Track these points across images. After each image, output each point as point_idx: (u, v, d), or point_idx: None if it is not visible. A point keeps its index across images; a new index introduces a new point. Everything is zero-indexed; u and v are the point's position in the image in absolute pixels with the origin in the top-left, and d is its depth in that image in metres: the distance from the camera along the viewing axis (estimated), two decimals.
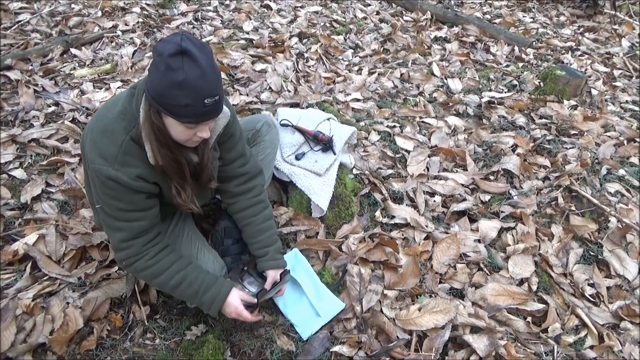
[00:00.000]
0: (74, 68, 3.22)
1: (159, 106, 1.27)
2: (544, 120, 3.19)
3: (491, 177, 2.65)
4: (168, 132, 1.35)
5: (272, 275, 1.78)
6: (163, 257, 1.55)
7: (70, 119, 2.70)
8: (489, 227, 2.31)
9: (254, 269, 1.83)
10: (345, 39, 4.21)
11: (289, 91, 3.20)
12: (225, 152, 1.68)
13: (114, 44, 3.58)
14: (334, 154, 2.31)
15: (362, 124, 2.94)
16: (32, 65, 3.15)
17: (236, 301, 1.64)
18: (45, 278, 1.90)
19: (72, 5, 3.99)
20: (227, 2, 4.58)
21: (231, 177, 1.75)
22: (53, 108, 2.78)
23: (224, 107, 1.47)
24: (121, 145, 1.36)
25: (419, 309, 1.85)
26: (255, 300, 1.67)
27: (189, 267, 1.60)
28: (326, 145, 2.30)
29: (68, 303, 1.81)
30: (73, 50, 3.37)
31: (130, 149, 1.38)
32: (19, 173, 2.33)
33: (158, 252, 1.54)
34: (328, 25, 4.44)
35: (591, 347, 1.87)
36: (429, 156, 2.71)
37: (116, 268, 1.97)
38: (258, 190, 1.81)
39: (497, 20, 4.98)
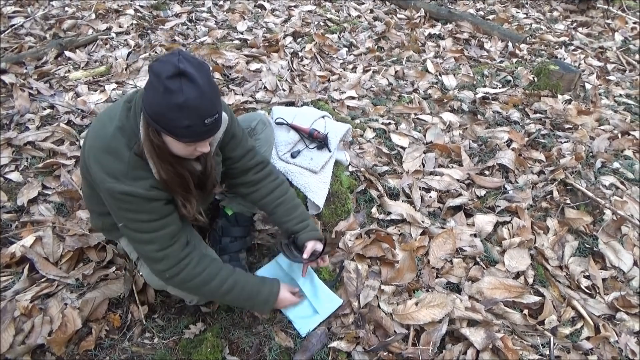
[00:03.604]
0: (69, 71, 3.22)
1: (158, 126, 1.26)
2: (538, 115, 3.20)
3: (486, 172, 2.66)
4: (168, 148, 1.35)
5: (312, 245, 1.77)
6: (208, 264, 1.55)
7: (66, 121, 2.70)
8: (485, 221, 2.32)
9: (292, 244, 1.82)
10: (339, 38, 4.22)
11: (284, 90, 3.21)
12: (230, 152, 1.68)
13: (108, 46, 3.58)
14: (329, 151, 2.32)
15: (357, 121, 2.95)
16: (26, 68, 3.15)
17: (287, 294, 1.74)
18: (43, 280, 1.90)
19: (66, 9, 3.99)
20: (221, 2, 4.59)
21: (246, 170, 1.75)
22: (48, 111, 2.78)
23: None
24: (128, 161, 1.36)
25: (416, 304, 1.86)
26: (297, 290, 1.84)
27: (237, 271, 1.62)
28: (321, 142, 2.30)
29: (66, 304, 1.81)
30: (67, 53, 3.38)
31: (137, 163, 1.37)
32: (15, 176, 2.34)
33: (200, 259, 1.53)
34: (322, 24, 4.45)
35: (587, 339, 1.89)
36: (424, 152, 2.72)
37: (114, 269, 1.97)
38: (277, 173, 1.84)
39: (491, 17, 5.00)
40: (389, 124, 2.97)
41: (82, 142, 2.50)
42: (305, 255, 1.76)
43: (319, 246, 1.80)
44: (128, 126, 1.37)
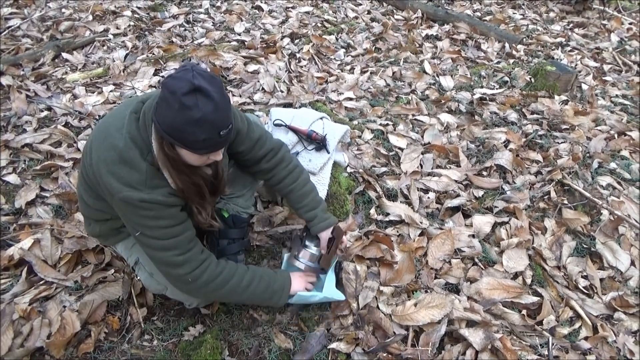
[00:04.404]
0: (66, 72, 3.22)
1: (174, 140, 1.29)
2: (535, 116, 3.21)
3: (484, 173, 2.67)
4: (182, 159, 1.37)
5: (325, 236, 1.84)
6: (226, 263, 1.58)
7: (63, 123, 2.70)
8: (483, 222, 2.33)
9: (309, 233, 1.89)
10: (337, 39, 4.22)
11: (282, 91, 3.21)
12: (237, 147, 1.69)
13: (105, 47, 3.58)
14: (328, 152, 2.32)
15: (355, 122, 2.95)
16: (23, 70, 3.14)
17: (300, 278, 1.79)
18: (41, 282, 1.90)
19: (63, 10, 3.98)
20: (218, 4, 4.59)
21: (258, 160, 1.78)
22: (45, 113, 2.77)
23: None
24: (145, 171, 1.37)
25: (415, 305, 1.86)
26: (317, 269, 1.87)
27: (251, 266, 1.67)
28: (319, 144, 2.31)
29: (65, 307, 1.81)
30: (64, 55, 3.37)
31: (154, 173, 1.39)
32: (12, 178, 2.33)
33: (218, 260, 1.56)
34: (319, 25, 4.45)
35: (586, 338, 1.90)
36: (422, 153, 2.73)
37: (112, 271, 1.97)
38: (289, 158, 1.85)
39: (488, 18, 5.01)
40: (387, 125, 2.98)
41: (81, 143, 2.52)
42: (323, 251, 1.85)
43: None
44: (139, 137, 1.38)
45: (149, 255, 1.51)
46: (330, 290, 1.86)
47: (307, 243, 1.88)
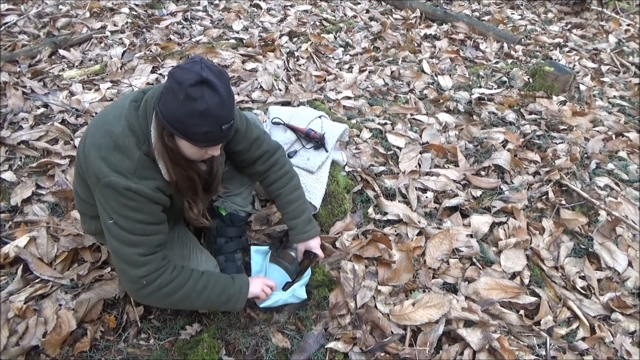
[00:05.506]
0: (63, 69, 3.20)
1: (176, 131, 1.28)
2: (533, 116, 3.21)
3: (482, 173, 2.67)
4: (181, 152, 1.37)
5: (301, 248, 1.86)
6: (181, 269, 1.54)
7: (60, 120, 2.68)
8: (481, 222, 2.33)
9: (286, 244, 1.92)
10: (335, 38, 4.22)
11: (280, 90, 3.20)
12: (235, 146, 1.68)
13: (102, 44, 3.56)
14: (326, 151, 2.32)
15: (353, 121, 2.94)
16: (20, 67, 3.12)
17: (257, 278, 1.75)
18: (37, 280, 1.88)
19: (60, 7, 3.96)
20: (217, 1, 4.57)
21: (254, 161, 1.78)
22: (42, 110, 2.75)
23: None
24: (138, 160, 1.36)
25: (413, 304, 1.86)
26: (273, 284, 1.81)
27: (206, 271, 1.63)
28: (318, 142, 2.30)
29: (60, 305, 1.80)
30: (61, 52, 3.35)
31: (146, 163, 1.38)
32: (8, 175, 2.31)
33: (175, 265, 1.53)
34: (318, 24, 4.44)
35: (583, 339, 1.90)
36: (420, 153, 2.72)
37: (109, 269, 1.96)
38: (282, 162, 1.84)
39: (486, 18, 5.01)
40: (385, 124, 2.97)
41: (78, 141, 2.50)
42: (299, 258, 1.88)
43: (313, 243, 1.85)
44: (137, 126, 1.37)
45: (113, 249, 1.46)
46: (299, 290, 1.85)
47: (287, 245, 1.89)
